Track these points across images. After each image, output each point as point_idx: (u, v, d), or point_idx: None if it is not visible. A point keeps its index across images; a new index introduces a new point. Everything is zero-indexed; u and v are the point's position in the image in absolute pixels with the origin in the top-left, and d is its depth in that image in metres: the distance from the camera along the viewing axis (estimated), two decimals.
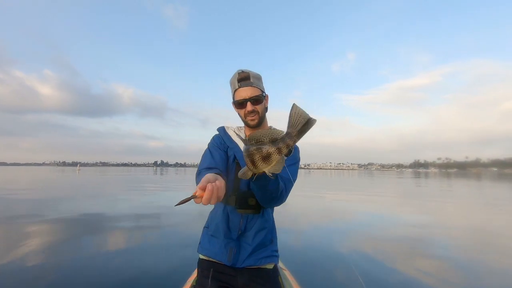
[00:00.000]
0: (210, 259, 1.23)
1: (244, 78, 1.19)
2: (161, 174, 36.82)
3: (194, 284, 1.22)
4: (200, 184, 0.79)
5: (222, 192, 0.81)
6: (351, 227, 5.19)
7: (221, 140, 1.31)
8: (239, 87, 1.19)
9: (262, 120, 1.25)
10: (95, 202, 8.06)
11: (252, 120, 1.22)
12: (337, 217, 6.20)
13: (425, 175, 50.98)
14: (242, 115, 1.24)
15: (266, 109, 1.28)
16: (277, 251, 1.29)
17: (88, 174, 32.24)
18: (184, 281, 1.50)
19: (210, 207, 1.33)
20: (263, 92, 1.23)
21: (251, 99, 1.19)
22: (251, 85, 1.19)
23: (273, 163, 0.77)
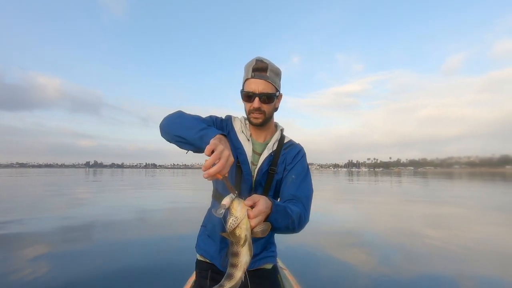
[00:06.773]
0: (207, 260, 1.19)
1: (260, 69, 1.05)
2: (94, 175, 33.43)
3: (194, 285, 1.22)
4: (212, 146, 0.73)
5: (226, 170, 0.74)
6: (341, 223, 5.60)
7: (225, 129, 1.17)
8: (252, 77, 1.05)
9: (267, 121, 1.12)
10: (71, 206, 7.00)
11: (256, 118, 1.09)
12: (331, 214, 6.56)
13: (357, 174, 56.42)
14: (247, 110, 1.11)
15: (275, 109, 1.15)
16: (275, 251, 1.24)
17: (3, 176, 27.41)
18: (184, 281, 1.47)
19: (208, 205, 1.29)
20: (277, 90, 1.09)
21: (261, 94, 1.04)
22: (266, 78, 1.04)
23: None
